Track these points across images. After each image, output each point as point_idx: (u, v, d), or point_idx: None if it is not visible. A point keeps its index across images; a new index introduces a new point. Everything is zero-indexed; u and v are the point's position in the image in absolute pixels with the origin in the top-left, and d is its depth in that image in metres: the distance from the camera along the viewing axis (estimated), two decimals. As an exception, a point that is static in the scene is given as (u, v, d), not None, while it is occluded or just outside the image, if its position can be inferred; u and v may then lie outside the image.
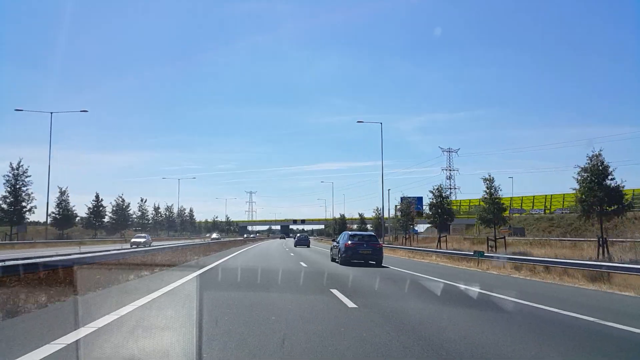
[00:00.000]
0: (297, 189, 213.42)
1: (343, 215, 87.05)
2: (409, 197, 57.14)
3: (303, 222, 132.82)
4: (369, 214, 76.43)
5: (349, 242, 19.75)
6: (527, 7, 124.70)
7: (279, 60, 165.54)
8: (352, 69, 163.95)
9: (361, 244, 19.66)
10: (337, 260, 20.59)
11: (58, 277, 9.12)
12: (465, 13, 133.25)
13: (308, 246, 46.62)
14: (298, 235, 58.23)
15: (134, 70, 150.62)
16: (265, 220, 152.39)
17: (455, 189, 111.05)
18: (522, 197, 78.39)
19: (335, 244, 22.33)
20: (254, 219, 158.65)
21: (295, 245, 46.36)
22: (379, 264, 19.16)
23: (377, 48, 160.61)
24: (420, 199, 60.76)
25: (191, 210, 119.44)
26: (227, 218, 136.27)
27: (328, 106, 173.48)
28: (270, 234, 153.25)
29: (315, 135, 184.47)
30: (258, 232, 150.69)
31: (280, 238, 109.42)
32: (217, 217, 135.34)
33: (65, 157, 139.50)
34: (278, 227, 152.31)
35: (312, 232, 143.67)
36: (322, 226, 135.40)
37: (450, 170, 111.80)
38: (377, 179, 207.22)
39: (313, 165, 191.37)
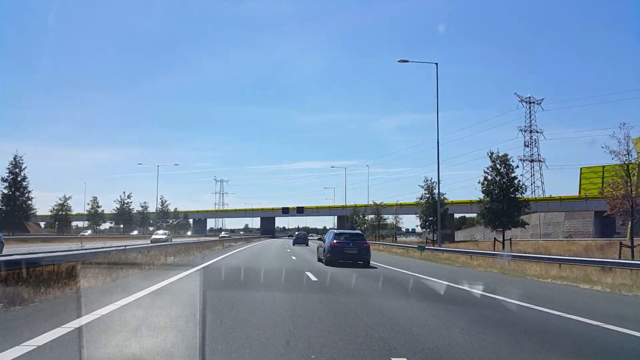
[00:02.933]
0: (281, 187, 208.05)
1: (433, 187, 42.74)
2: None
3: (301, 211, 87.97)
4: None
5: (334, 241, 19.47)
6: (519, 6, 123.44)
7: (261, 58, 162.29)
8: (334, 67, 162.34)
9: (347, 243, 19.38)
10: (323, 260, 20.27)
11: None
12: (460, 11, 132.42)
13: (307, 245, 47.55)
14: (296, 233, 58.60)
15: (111, 67, 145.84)
16: (238, 210, 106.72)
17: (539, 161, 70.25)
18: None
19: (321, 243, 22.05)
20: (224, 211, 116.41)
21: (293, 244, 47.01)
22: (366, 264, 18.95)
23: (360, 47, 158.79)
24: None
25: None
26: (163, 203, 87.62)
27: (309, 104, 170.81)
28: (247, 232, 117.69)
29: (297, 133, 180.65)
30: (233, 231, 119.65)
31: (289, 237, 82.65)
32: (129, 199, 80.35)
33: (35, 152, 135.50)
34: (257, 224, 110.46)
35: (297, 229, 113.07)
36: (333, 219, 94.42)
37: (531, 131, 71.49)
38: (362, 178, 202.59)
39: (294, 163, 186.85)
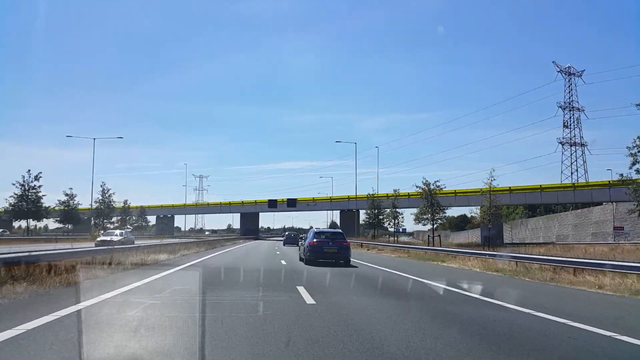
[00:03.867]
0: (270, 185, 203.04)
1: None
2: None
3: (292, 204, 71.08)
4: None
5: (314, 240, 19.68)
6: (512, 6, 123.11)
7: (261, 58, 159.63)
8: (334, 67, 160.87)
9: (327, 242, 19.61)
10: (303, 259, 20.55)
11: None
12: (449, 10, 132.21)
13: (297, 245, 47.30)
14: (286, 233, 58.78)
15: (111, 67, 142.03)
16: (212, 204, 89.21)
17: (582, 145, 56.57)
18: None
19: (302, 242, 22.29)
20: (194, 205, 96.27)
21: (284, 245, 47.48)
22: (347, 263, 19.31)
23: (361, 47, 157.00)
24: None
25: None
26: (104, 192, 59.33)
27: (309, 104, 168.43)
28: (229, 232, 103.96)
29: (297, 133, 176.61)
30: (216, 231, 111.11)
31: (281, 236, 65.21)
32: (36, 182, 53.95)
33: (35, 152, 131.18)
34: (238, 222, 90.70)
35: (284, 229, 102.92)
36: (329, 216, 78.21)
37: (571, 109, 57.88)
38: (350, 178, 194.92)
39: (290, 162, 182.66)
